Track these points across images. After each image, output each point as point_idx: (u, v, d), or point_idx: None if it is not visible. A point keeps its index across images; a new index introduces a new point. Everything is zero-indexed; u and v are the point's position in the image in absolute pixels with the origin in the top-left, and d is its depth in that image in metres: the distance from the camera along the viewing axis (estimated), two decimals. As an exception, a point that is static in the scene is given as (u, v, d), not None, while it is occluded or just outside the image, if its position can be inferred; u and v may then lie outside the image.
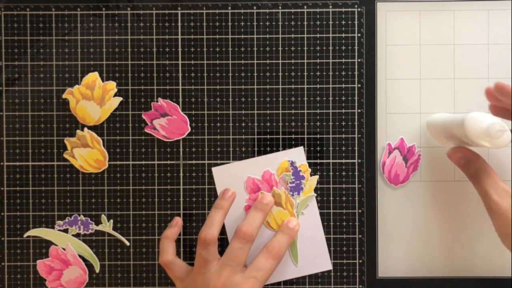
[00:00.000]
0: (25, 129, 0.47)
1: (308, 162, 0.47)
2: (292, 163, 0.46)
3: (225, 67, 0.47)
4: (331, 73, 0.47)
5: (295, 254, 0.46)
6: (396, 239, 0.47)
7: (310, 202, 0.47)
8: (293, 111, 0.47)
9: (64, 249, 0.47)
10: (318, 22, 0.47)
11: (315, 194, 0.47)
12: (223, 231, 0.46)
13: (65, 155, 0.47)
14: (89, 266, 0.47)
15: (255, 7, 0.47)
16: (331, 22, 0.47)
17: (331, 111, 0.47)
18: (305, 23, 0.47)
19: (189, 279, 0.42)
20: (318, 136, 0.47)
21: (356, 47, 0.47)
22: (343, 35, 0.47)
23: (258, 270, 0.40)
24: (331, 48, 0.47)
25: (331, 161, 0.47)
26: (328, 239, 0.47)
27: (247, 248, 0.41)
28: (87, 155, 0.47)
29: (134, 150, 0.47)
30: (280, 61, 0.47)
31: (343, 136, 0.47)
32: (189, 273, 0.42)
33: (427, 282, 0.47)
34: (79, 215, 0.47)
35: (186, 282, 0.41)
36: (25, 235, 0.47)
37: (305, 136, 0.47)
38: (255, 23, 0.47)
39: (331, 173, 0.47)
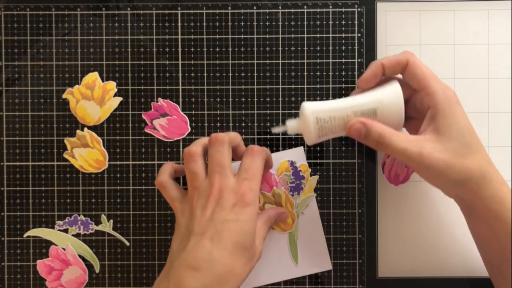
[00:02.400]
0: (25, 129, 0.47)
1: (308, 162, 0.47)
2: (292, 163, 0.46)
3: (225, 67, 0.47)
4: (331, 73, 0.47)
5: (295, 254, 0.46)
6: (396, 239, 0.47)
7: (310, 202, 0.47)
8: (293, 111, 0.47)
9: (64, 249, 0.47)
10: (318, 22, 0.47)
11: (315, 194, 0.47)
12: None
13: (65, 155, 0.47)
14: (89, 266, 0.47)
15: (255, 7, 0.47)
16: (331, 22, 0.47)
17: (331, 111, 0.47)
18: (305, 23, 0.47)
19: (187, 198, 0.41)
20: (318, 136, 0.47)
21: (356, 47, 0.47)
22: (343, 35, 0.47)
23: (247, 170, 0.39)
24: (331, 48, 0.47)
25: (331, 161, 0.47)
26: (328, 239, 0.47)
27: (225, 149, 0.40)
28: (87, 155, 0.47)
29: (134, 150, 0.47)
30: (280, 61, 0.47)
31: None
32: (186, 194, 0.41)
33: (427, 282, 0.47)
34: (79, 215, 0.47)
35: (185, 203, 0.40)
36: (25, 235, 0.47)
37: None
38: (255, 23, 0.47)
39: (331, 173, 0.47)
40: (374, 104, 0.39)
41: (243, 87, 0.47)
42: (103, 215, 0.47)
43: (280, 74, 0.47)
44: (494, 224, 0.37)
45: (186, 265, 0.36)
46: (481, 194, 0.37)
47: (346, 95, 0.47)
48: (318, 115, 0.39)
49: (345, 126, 0.39)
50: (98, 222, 0.47)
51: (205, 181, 0.40)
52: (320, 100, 0.47)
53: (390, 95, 0.39)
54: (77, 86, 0.46)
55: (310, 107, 0.39)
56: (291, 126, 0.40)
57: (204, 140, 0.42)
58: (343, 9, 0.47)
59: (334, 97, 0.47)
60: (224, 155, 0.39)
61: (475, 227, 0.40)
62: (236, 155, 0.42)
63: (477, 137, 0.38)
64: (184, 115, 0.47)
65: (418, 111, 0.40)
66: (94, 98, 0.46)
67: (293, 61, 0.47)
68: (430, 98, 0.38)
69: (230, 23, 0.47)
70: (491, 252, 0.39)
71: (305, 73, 0.47)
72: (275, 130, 0.42)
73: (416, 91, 0.40)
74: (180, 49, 0.47)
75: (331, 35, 0.47)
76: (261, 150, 0.41)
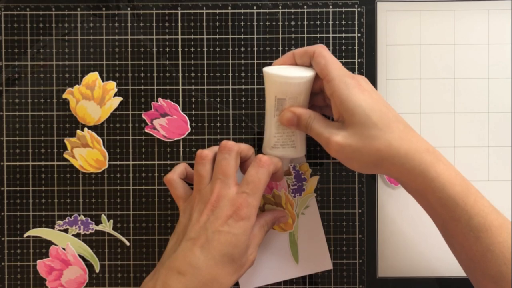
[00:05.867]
0: (25, 129, 0.47)
1: (308, 162, 0.47)
2: (294, 167, 0.46)
3: (225, 67, 0.47)
4: (331, 73, 0.47)
5: (296, 253, 0.46)
6: (396, 239, 0.47)
7: (310, 202, 0.47)
8: (293, 111, 0.47)
9: (64, 249, 0.47)
10: (318, 22, 0.47)
11: (315, 194, 0.47)
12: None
13: (65, 155, 0.47)
14: (89, 266, 0.47)
15: (255, 7, 0.47)
16: (331, 22, 0.47)
17: (331, 111, 0.47)
18: (305, 23, 0.47)
19: (191, 198, 0.41)
20: (318, 136, 0.47)
21: (356, 47, 0.47)
22: (343, 35, 0.47)
23: (248, 183, 0.39)
24: (331, 48, 0.47)
25: (331, 161, 0.47)
26: (328, 239, 0.47)
27: (231, 158, 0.40)
28: (87, 155, 0.47)
29: (134, 150, 0.47)
30: (280, 61, 0.47)
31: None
32: (191, 194, 0.42)
33: (427, 282, 0.47)
34: (79, 215, 0.47)
35: (188, 203, 0.41)
36: (25, 235, 0.47)
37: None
38: (255, 23, 0.47)
39: (331, 173, 0.47)
40: (270, 96, 0.41)
41: (243, 87, 0.47)
42: (103, 215, 0.47)
43: (280, 74, 0.47)
44: (425, 195, 0.37)
45: (173, 267, 0.37)
46: (400, 171, 0.37)
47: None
48: (271, 144, 0.42)
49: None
50: (98, 222, 0.47)
51: (208, 186, 0.40)
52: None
53: (269, 78, 0.41)
54: (77, 86, 0.46)
55: (264, 147, 0.43)
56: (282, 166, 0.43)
57: (217, 147, 0.42)
58: (343, 9, 0.47)
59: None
60: (229, 163, 0.39)
61: (415, 199, 0.40)
62: (244, 169, 0.43)
63: (387, 114, 0.37)
64: (184, 115, 0.47)
65: (328, 102, 0.41)
66: (94, 98, 0.46)
67: (293, 61, 0.47)
68: (329, 85, 0.38)
69: (230, 23, 0.47)
70: (435, 222, 0.39)
71: (305, 73, 0.47)
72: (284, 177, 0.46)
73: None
74: (180, 49, 0.47)
75: (331, 35, 0.47)
76: (269, 163, 0.40)
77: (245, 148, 0.41)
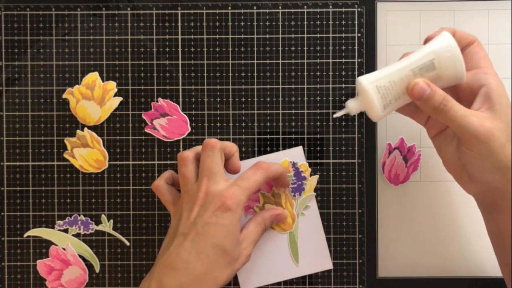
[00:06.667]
0: (25, 129, 0.47)
1: (308, 162, 0.47)
2: (293, 164, 0.46)
3: (225, 67, 0.47)
4: (331, 73, 0.47)
5: (296, 253, 0.46)
6: (396, 239, 0.47)
7: (310, 202, 0.47)
8: (293, 111, 0.47)
9: (64, 249, 0.47)
10: (318, 22, 0.47)
11: (315, 194, 0.47)
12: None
13: (65, 155, 0.47)
14: (89, 266, 0.47)
15: (255, 7, 0.47)
16: (331, 22, 0.47)
17: (331, 111, 0.47)
18: (305, 23, 0.47)
19: (179, 201, 0.42)
20: (318, 136, 0.47)
21: (356, 47, 0.47)
22: (343, 35, 0.47)
23: (243, 179, 0.40)
24: (331, 48, 0.47)
25: (331, 161, 0.47)
26: (328, 239, 0.47)
27: (215, 154, 0.40)
28: (87, 155, 0.47)
29: (134, 150, 0.47)
30: (280, 61, 0.47)
31: (343, 136, 0.47)
32: (180, 198, 0.42)
33: (427, 282, 0.47)
34: (79, 215, 0.47)
35: (178, 206, 0.41)
36: (25, 235, 0.47)
37: (305, 136, 0.47)
38: (255, 23, 0.47)
39: (331, 173, 0.47)
40: (430, 55, 0.37)
41: (243, 87, 0.47)
42: (103, 215, 0.47)
43: (280, 74, 0.47)
44: None
45: (166, 264, 0.38)
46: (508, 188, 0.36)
47: (346, 95, 0.47)
48: (377, 83, 0.38)
49: (406, 88, 0.37)
50: (98, 222, 0.47)
51: (194, 185, 0.40)
52: (319, 99, 0.47)
53: (444, 43, 0.37)
54: (77, 86, 0.46)
55: (367, 78, 0.38)
56: (352, 105, 0.40)
57: (199, 146, 0.42)
58: (343, 9, 0.47)
59: (334, 97, 0.47)
60: (213, 160, 0.40)
61: (498, 224, 0.38)
62: (227, 166, 0.43)
63: None
64: (184, 115, 0.47)
65: (461, 91, 0.39)
66: (94, 98, 0.46)
67: (293, 61, 0.47)
68: (487, 77, 0.37)
69: (230, 23, 0.47)
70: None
71: (305, 73, 0.47)
72: (337, 114, 0.41)
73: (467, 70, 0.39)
74: (180, 49, 0.47)
75: (331, 35, 0.47)
76: (267, 167, 0.41)
77: (229, 145, 0.42)
